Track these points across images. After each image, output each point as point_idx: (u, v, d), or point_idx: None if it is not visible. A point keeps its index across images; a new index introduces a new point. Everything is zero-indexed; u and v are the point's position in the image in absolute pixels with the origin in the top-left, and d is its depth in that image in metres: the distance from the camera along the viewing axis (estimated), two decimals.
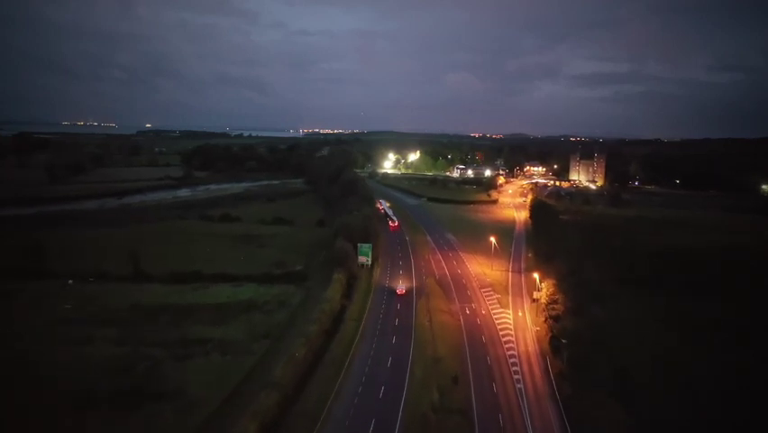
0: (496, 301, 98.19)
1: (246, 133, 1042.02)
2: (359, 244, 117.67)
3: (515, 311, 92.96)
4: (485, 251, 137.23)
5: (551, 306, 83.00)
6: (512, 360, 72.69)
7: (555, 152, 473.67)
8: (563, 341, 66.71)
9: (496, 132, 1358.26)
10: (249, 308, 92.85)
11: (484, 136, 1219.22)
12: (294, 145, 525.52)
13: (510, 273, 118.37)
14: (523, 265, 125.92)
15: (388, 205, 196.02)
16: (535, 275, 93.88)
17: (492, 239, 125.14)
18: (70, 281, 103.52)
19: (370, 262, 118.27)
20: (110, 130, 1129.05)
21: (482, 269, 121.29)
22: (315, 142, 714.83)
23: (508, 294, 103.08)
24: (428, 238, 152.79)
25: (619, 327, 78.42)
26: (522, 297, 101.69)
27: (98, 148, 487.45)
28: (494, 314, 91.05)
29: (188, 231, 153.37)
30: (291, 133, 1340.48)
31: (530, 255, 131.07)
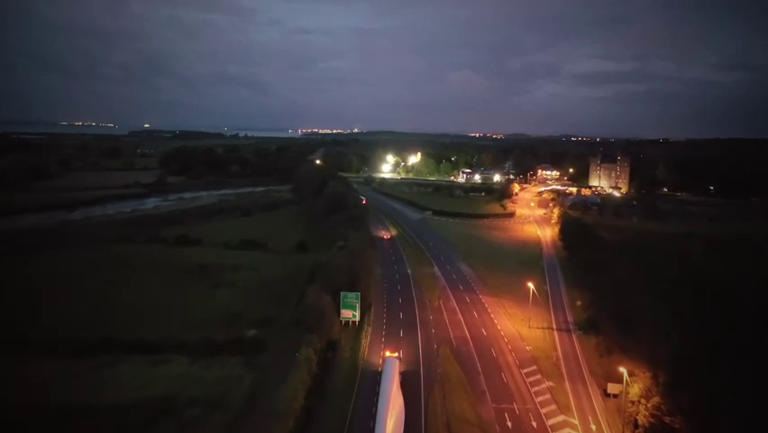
0: (548, 394, 63.85)
1: (242, 134, 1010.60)
2: (342, 293, 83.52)
3: (582, 419, 58.54)
4: (512, 291, 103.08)
5: None
6: None
7: (565, 153, 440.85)
8: None
9: (496, 131, 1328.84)
10: (162, 413, 58.62)
11: (484, 136, 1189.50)
12: (283, 147, 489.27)
13: (556, 334, 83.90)
14: (569, 317, 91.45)
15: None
16: (623, 370, 59.04)
17: (530, 285, 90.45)
18: None
19: (357, 318, 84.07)
20: (108, 130, 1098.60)
21: (515, 325, 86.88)
22: (312, 142, 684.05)
23: (563, 378, 68.61)
24: (437, 271, 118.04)
25: None
26: (585, 383, 67.27)
27: (77, 150, 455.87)
28: (551, 426, 56.75)
29: (127, 261, 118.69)
30: (290, 133, 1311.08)
31: (579, 303, 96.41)
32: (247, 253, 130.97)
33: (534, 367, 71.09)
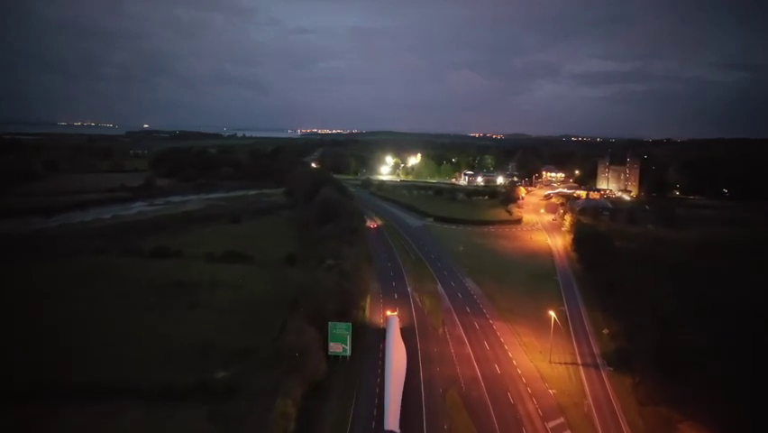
0: None
1: (241, 134, 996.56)
2: (330, 324, 71.16)
3: None
4: (526, 314, 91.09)
5: None
6: None
7: (570, 154, 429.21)
8: None
9: (496, 131, 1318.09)
10: None
11: (485, 136, 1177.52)
12: (279, 148, 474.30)
13: (582, 371, 71.38)
14: (595, 348, 78.85)
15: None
16: None
17: (552, 313, 77.95)
18: None
19: (348, 353, 71.71)
20: (108, 130, 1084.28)
21: (533, 359, 74.27)
22: (310, 143, 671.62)
23: None
24: (440, 289, 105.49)
25: None
26: None
27: (69, 150, 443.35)
28: None
29: (96, 277, 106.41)
30: (289, 133, 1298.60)
31: (606, 331, 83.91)
32: (230, 266, 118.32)
33: (562, 420, 58.61)
